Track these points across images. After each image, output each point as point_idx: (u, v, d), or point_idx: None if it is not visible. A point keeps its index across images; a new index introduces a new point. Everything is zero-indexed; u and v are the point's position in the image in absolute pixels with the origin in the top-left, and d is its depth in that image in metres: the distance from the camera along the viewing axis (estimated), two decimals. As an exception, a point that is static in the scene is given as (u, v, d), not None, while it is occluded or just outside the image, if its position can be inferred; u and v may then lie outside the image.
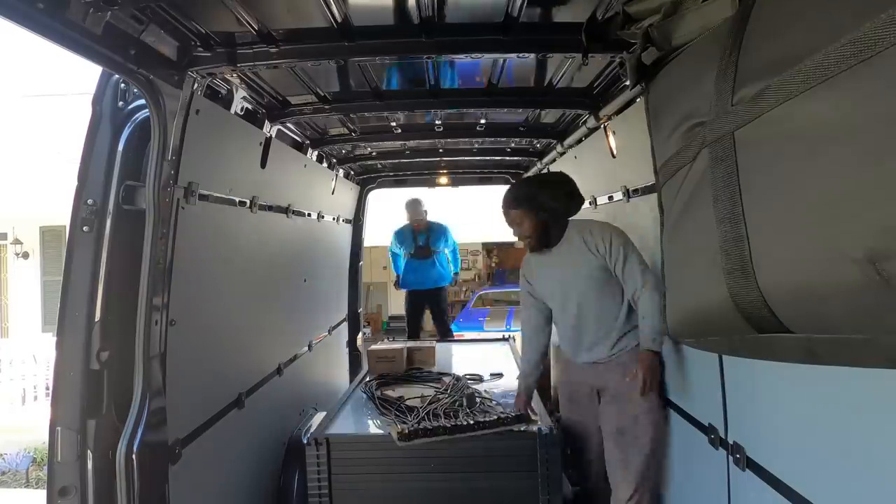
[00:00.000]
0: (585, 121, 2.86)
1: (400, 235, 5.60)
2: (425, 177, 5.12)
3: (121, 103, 1.82)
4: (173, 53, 1.82)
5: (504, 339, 4.75)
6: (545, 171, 4.18)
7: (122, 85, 1.81)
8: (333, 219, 4.36)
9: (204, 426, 2.10)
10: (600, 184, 3.02)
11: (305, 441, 2.66)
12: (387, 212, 6.59)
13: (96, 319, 1.73)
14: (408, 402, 2.74)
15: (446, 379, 3.12)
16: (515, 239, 2.57)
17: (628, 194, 2.54)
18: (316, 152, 3.55)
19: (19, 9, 1.22)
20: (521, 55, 2.09)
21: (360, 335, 5.15)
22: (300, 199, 3.33)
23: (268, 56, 1.97)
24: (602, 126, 2.71)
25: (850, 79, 0.68)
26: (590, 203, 3.21)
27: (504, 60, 2.30)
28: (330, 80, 2.51)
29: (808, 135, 0.75)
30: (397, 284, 5.73)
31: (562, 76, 2.47)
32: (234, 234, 2.47)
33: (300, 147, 3.35)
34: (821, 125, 0.73)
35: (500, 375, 3.46)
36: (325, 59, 2.05)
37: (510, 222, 2.46)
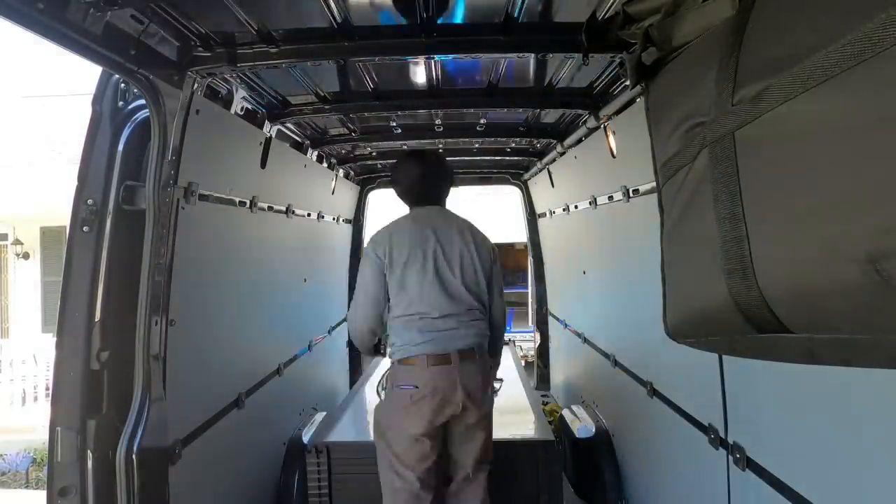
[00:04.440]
0: (585, 121, 2.86)
1: None
2: None
3: (121, 103, 1.82)
4: (173, 53, 1.82)
5: (503, 343, 4.71)
6: (545, 171, 4.18)
7: (122, 85, 1.81)
8: (333, 219, 4.36)
9: (204, 426, 2.10)
10: (600, 184, 3.01)
11: (306, 447, 2.66)
12: (387, 212, 6.58)
13: (96, 319, 1.73)
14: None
15: None
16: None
17: (628, 194, 2.53)
18: (316, 152, 3.55)
19: (19, 9, 1.22)
20: (521, 55, 2.09)
21: None
22: (300, 200, 3.33)
23: (268, 56, 1.97)
24: (602, 126, 2.71)
25: (850, 79, 0.68)
26: (590, 203, 3.21)
27: (504, 60, 2.30)
28: (330, 80, 2.51)
29: (808, 135, 0.75)
30: None
31: (562, 76, 2.47)
32: (234, 235, 2.47)
33: (300, 147, 3.35)
34: (821, 125, 0.73)
35: (500, 381, 3.44)
36: (325, 59, 2.04)
37: None
